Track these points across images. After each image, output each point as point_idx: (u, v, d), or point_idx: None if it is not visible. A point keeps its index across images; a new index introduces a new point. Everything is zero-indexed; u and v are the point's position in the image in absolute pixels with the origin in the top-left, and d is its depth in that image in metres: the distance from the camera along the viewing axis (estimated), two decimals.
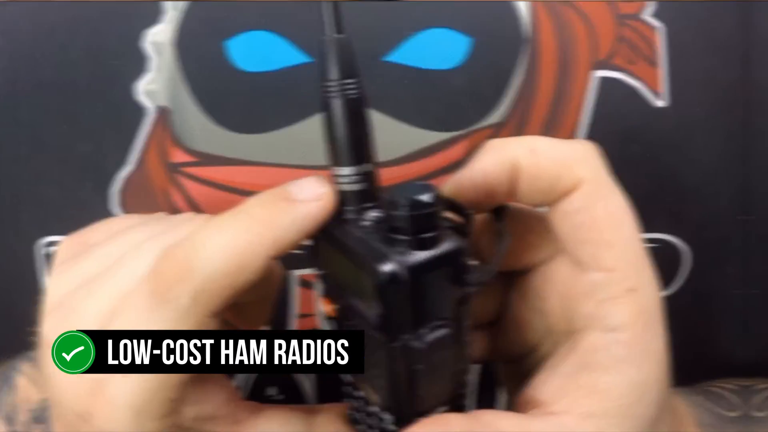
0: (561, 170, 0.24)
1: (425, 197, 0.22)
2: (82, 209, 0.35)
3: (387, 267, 0.21)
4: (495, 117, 0.34)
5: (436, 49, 0.34)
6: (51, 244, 0.36)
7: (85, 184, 0.35)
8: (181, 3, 0.34)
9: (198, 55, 0.34)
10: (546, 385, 0.25)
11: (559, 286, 0.26)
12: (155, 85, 0.34)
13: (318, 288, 0.25)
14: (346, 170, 0.24)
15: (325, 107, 0.24)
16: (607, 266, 0.23)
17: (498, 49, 0.34)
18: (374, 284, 0.21)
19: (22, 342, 0.34)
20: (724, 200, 0.36)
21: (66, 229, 0.36)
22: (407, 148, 0.34)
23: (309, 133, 0.33)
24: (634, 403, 0.23)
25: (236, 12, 0.34)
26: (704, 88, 0.36)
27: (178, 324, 0.21)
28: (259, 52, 0.34)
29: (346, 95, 0.23)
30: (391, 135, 0.34)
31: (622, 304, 0.23)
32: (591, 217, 0.23)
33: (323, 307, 0.25)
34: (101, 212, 0.35)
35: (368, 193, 0.24)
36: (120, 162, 0.35)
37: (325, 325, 0.25)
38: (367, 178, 0.24)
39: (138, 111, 0.35)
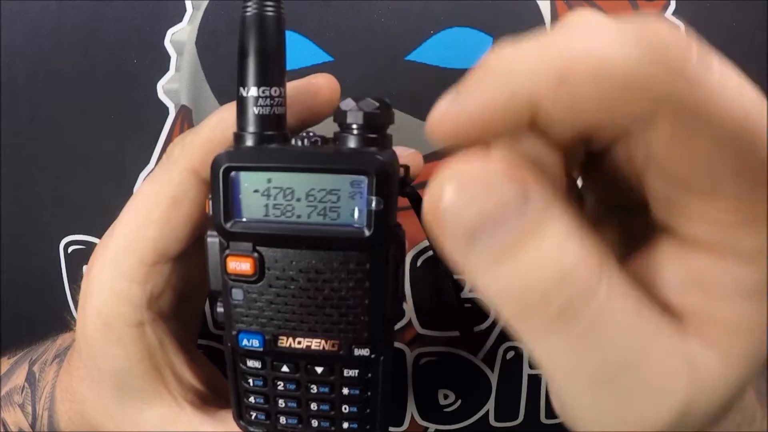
0: (616, 106, 0.15)
1: (375, 102, 0.22)
2: (105, 208, 0.35)
3: (379, 159, 0.21)
4: None
5: (458, 47, 0.34)
6: (73, 243, 0.37)
7: (107, 184, 0.35)
8: (202, 2, 0.34)
9: (219, 54, 0.34)
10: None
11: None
12: (176, 84, 0.35)
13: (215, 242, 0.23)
14: (275, 91, 0.22)
15: (242, 24, 0.22)
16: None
17: None
18: (373, 179, 0.21)
19: (46, 335, 0.35)
20: None
21: (88, 228, 0.36)
22: (428, 147, 0.34)
23: (328, 133, 0.34)
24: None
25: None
26: None
27: (169, 168, 0.26)
28: None
29: (264, 11, 0.22)
30: (413, 134, 0.34)
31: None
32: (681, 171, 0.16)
33: (234, 266, 0.23)
34: None
35: (283, 118, 0.23)
36: (142, 161, 0.35)
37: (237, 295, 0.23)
38: (283, 101, 0.23)
39: (160, 110, 0.35)
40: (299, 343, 0.24)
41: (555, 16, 0.34)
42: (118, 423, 0.28)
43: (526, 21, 0.34)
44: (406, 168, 0.24)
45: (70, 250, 0.37)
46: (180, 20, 0.34)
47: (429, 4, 0.34)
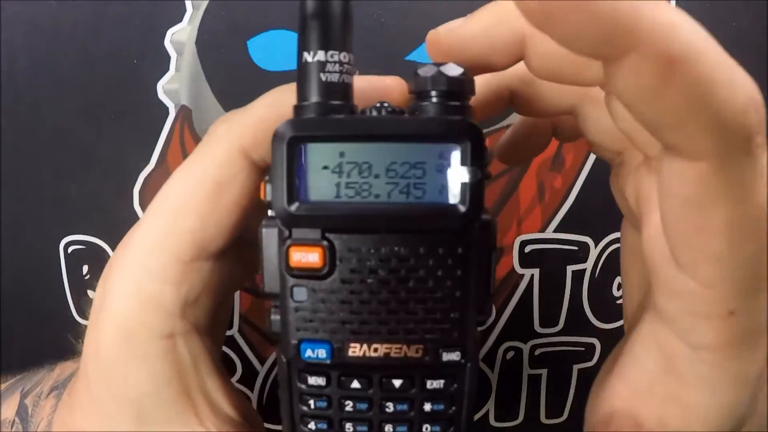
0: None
1: (459, 67, 0.20)
2: (105, 208, 0.35)
3: (473, 124, 0.19)
4: (516, 116, 0.34)
5: None
6: (73, 243, 0.37)
7: (108, 184, 0.35)
8: (202, 2, 0.34)
9: (219, 54, 0.34)
10: (632, 379, 0.22)
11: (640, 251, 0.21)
12: (176, 84, 0.35)
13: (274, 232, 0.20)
14: (343, 56, 0.20)
15: None
16: (707, 282, 0.18)
17: None
18: (468, 147, 0.19)
19: (48, 337, 0.35)
20: None
21: (89, 228, 0.36)
22: None
23: None
24: (722, 424, 0.20)
25: (256, 11, 0.34)
26: None
27: (213, 148, 0.22)
28: (279, 50, 0.34)
29: None
30: None
31: (715, 327, 0.19)
32: (701, 223, 0.18)
33: (298, 258, 0.20)
34: (124, 211, 0.35)
35: (351, 88, 0.20)
36: (142, 161, 0.35)
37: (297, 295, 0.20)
38: (352, 69, 0.20)
39: (160, 110, 0.35)
40: (375, 350, 0.20)
41: None
42: None
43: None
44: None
45: (70, 250, 0.37)
46: (180, 20, 0.34)
47: (429, 4, 0.34)
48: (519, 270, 0.36)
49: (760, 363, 0.20)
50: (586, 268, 0.37)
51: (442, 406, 0.21)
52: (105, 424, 0.24)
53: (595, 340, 0.38)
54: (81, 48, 0.34)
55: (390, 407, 0.21)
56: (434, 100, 0.19)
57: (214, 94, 0.35)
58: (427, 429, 0.21)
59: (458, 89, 0.20)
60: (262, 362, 0.38)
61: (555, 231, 0.36)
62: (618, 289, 0.38)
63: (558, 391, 0.39)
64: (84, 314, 0.38)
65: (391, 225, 0.19)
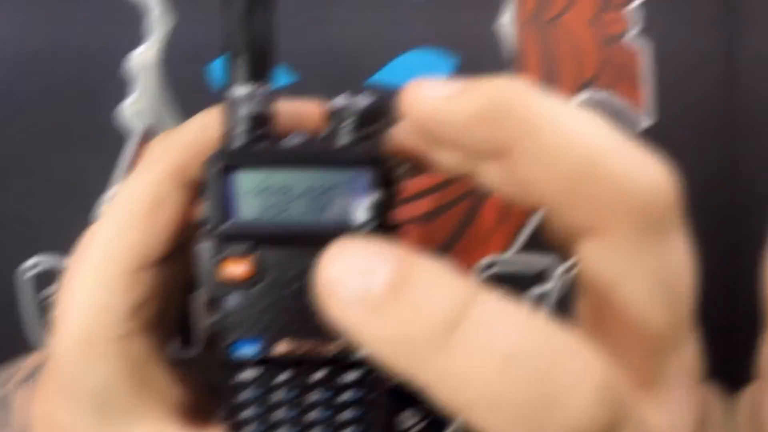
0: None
1: (369, 96, 0.22)
2: (67, 230, 0.35)
3: (378, 152, 0.21)
4: None
5: (422, 69, 0.34)
6: (36, 265, 0.36)
7: (70, 207, 0.35)
8: (164, 25, 0.34)
9: (181, 76, 0.35)
10: None
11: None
12: (139, 106, 0.35)
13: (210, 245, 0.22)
14: (265, 89, 0.22)
15: (227, 19, 0.22)
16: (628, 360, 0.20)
17: (483, 69, 0.34)
18: (373, 173, 0.21)
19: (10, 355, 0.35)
20: (711, 223, 0.36)
21: (51, 249, 0.36)
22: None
23: None
24: None
25: (219, 34, 0.34)
26: (690, 108, 0.36)
27: (150, 168, 0.25)
28: None
29: (252, 3, 0.22)
30: None
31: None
32: (605, 314, 0.19)
33: (230, 270, 0.22)
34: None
35: (274, 116, 0.23)
36: (104, 183, 0.35)
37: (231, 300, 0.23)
38: (273, 99, 0.23)
39: (120, 135, 0.35)
40: (299, 347, 0.23)
41: (519, 38, 0.34)
42: None
43: (490, 42, 0.35)
44: (401, 163, 0.23)
45: (31, 272, 0.36)
46: (143, 43, 0.34)
47: (392, 25, 0.34)
48: None
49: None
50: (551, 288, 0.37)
51: (361, 393, 0.24)
52: (73, 411, 0.27)
53: None
54: (41, 74, 0.34)
55: (315, 395, 0.24)
56: (349, 127, 0.22)
57: (177, 116, 0.35)
58: (348, 414, 0.24)
59: (368, 118, 0.22)
60: None
61: (519, 252, 0.36)
62: None
63: None
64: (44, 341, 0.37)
65: (306, 241, 0.22)
